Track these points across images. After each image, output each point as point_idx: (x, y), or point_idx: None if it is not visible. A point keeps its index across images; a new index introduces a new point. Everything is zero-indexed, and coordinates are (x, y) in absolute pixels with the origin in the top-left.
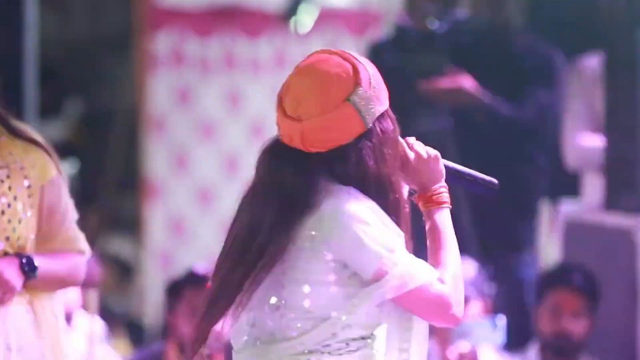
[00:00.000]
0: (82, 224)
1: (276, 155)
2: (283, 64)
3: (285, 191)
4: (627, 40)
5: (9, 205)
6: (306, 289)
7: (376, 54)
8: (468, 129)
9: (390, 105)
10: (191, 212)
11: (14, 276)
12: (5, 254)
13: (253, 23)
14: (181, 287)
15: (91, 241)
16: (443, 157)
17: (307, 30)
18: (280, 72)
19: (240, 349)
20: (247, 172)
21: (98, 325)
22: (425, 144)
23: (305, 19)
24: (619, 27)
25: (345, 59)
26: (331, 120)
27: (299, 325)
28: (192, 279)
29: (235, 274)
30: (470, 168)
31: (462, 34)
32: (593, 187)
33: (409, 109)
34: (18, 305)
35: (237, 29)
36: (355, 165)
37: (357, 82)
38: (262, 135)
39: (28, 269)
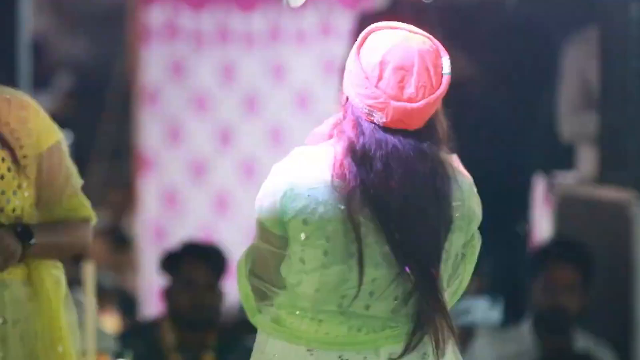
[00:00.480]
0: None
1: (398, 140)
2: (276, 38)
3: (426, 170)
4: (621, 15)
5: (2, 177)
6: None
7: (366, 26)
8: (460, 103)
9: None
10: (184, 184)
11: (13, 242)
12: (1, 226)
13: None
14: (177, 260)
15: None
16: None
17: (301, 4)
18: (273, 46)
19: None
20: (241, 144)
21: (92, 299)
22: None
23: None
24: (613, 2)
25: (412, 31)
26: (439, 95)
27: None
28: (187, 252)
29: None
30: (463, 141)
31: (456, 7)
32: (587, 161)
33: None
34: (14, 277)
35: (231, 2)
36: (442, 131)
37: (442, 54)
38: (255, 108)
39: (24, 237)
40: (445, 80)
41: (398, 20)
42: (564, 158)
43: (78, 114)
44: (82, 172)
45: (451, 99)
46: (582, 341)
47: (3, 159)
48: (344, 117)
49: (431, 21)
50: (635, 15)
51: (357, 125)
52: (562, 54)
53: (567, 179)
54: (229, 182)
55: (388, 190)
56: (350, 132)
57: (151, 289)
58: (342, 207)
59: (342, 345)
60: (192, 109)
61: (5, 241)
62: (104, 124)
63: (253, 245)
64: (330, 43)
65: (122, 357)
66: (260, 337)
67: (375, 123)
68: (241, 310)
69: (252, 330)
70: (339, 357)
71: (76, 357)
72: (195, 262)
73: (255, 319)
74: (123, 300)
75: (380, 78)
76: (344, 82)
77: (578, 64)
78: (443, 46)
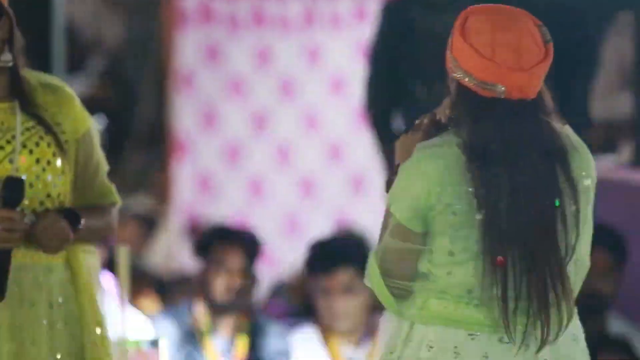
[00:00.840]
0: (113, 180)
1: (517, 114)
2: (312, 21)
3: (546, 143)
4: None
5: (48, 163)
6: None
7: (402, 12)
8: None
9: (419, 65)
10: (219, 169)
11: (67, 226)
12: (47, 211)
13: None
14: (210, 244)
15: (121, 197)
16: None
17: None
18: (309, 29)
19: None
20: (276, 128)
21: (126, 283)
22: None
23: None
24: None
25: (506, 7)
26: (549, 62)
27: None
28: (220, 236)
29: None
30: None
31: None
32: (623, 145)
33: (436, 69)
34: (57, 261)
35: None
36: (549, 101)
37: (539, 23)
38: (291, 92)
39: (73, 220)
40: (550, 47)
41: (429, 6)
42: (601, 142)
43: (112, 98)
44: (117, 156)
45: None
46: (616, 326)
47: (49, 144)
48: (456, 103)
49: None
50: None
51: (474, 107)
52: (599, 38)
53: (603, 162)
54: (264, 167)
55: (505, 170)
56: (467, 120)
57: (185, 273)
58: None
59: (499, 329)
60: (227, 94)
61: (61, 224)
62: (138, 108)
63: (383, 246)
64: (365, 27)
65: (157, 344)
66: (397, 327)
67: (495, 97)
68: (273, 294)
69: (286, 313)
70: (499, 339)
71: (111, 345)
72: (229, 246)
73: (404, 315)
74: (158, 284)
75: (493, 51)
76: (451, 65)
77: (615, 48)
78: None
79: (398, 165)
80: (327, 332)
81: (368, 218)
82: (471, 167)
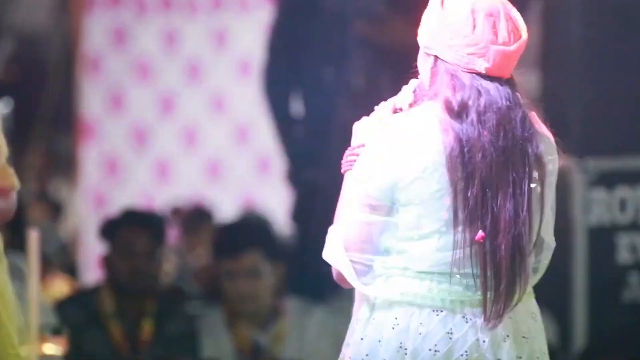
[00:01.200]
0: (19, 162)
1: (496, 89)
2: (219, 4)
3: (520, 124)
4: None
5: None
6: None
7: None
8: None
9: (327, 45)
10: (126, 152)
11: None
12: None
13: None
14: (116, 227)
15: (28, 180)
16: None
17: None
18: (216, 12)
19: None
20: (183, 111)
21: (36, 268)
22: (355, 83)
23: None
24: None
25: None
26: (526, 40)
27: None
28: (127, 219)
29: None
30: None
31: None
32: None
33: (345, 48)
34: None
35: None
36: (521, 84)
37: (512, 6)
38: (198, 74)
39: None
40: (524, 30)
41: None
42: None
43: (21, 82)
44: (25, 140)
45: None
46: None
47: None
48: (433, 79)
49: None
50: None
51: (454, 79)
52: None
53: None
54: (171, 150)
55: (481, 141)
56: (445, 91)
57: (92, 255)
58: (445, 167)
59: (463, 305)
60: (135, 77)
61: None
62: (47, 92)
63: (348, 219)
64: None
65: (60, 333)
66: (363, 308)
67: (475, 73)
68: (179, 277)
69: (191, 297)
70: (463, 317)
71: (17, 332)
72: (135, 229)
73: (368, 290)
74: (65, 266)
75: (474, 26)
76: (427, 42)
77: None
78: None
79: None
80: (233, 315)
81: (274, 201)
82: (445, 141)
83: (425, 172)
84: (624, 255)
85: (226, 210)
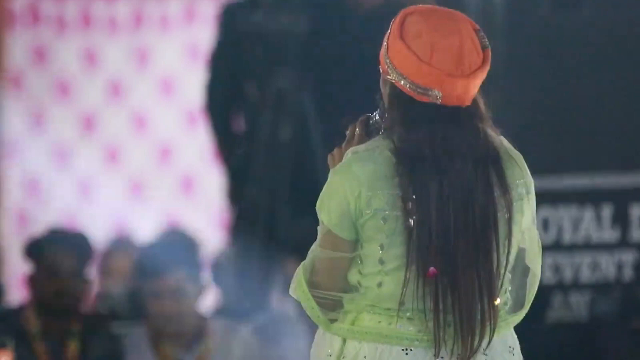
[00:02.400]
0: None
1: (452, 120)
2: (140, 23)
3: (480, 150)
4: None
5: None
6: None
7: (232, 16)
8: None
9: (249, 64)
10: (47, 171)
11: None
12: None
13: None
14: (41, 246)
15: None
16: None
17: None
18: (137, 32)
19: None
20: (105, 130)
21: None
22: (284, 101)
23: None
24: None
25: (445, 9)
26: (486, 69)
27: None
28: (53, 239)
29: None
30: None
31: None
32: None
33: (267, 68)
34: None
35: None
36: (485, 109)
37: (477, 28)
38: (119, 93)
39: None
40: (488, 53)
41: (261, 8)
42: None
43: None
44: None
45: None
46: None
47: None
48: (390, 107)
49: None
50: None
51: (409, 110)
52: None
53: None
54: (93, 169)
55: (436, 176)
56: (399, 126)
57: (15, 275)
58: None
59: (430, 343)
60: (56, 95)
61: None
62: None
63: (312, 256)
64: (194, 29)
65: (4, 346)
66: (332, 344)
67: (430, 103)
68: (106, 297)
69: (118, 317)
70: (434, 355)
71: None
72: (60, 249)
73: (333, 329)
74: None
75: (431, 55)
76: (385, 69)
77: None
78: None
79: None
80: (157, 335)
81: (198, 220)
82: (402, 172)
83: (384, 208)
84: (547, 275)
85: (149, 229)
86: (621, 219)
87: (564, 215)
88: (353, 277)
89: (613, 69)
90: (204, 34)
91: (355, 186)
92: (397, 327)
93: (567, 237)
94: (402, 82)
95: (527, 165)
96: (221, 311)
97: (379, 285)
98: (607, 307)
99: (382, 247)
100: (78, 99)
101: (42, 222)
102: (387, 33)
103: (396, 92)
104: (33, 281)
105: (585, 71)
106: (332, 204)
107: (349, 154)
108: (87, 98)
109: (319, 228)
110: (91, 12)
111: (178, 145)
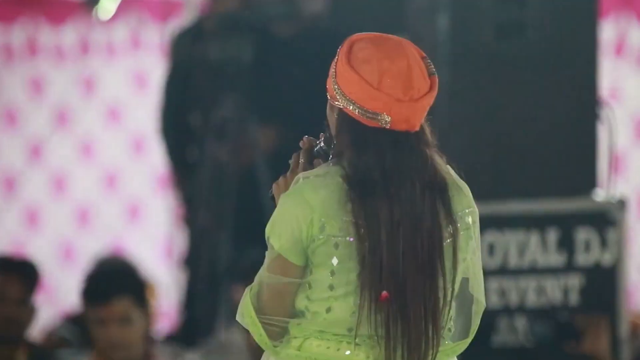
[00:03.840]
0: None
1: (400, 145)
2: (87, 51)
3: (428, 177)
4: (429, 24)
5: None
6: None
7: (178, 44)
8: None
9: (195, 92)
10: None
11: None
12: None
13: (56, 10)
14: None
15: None
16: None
17: (110, 17)
18: (84, 59)
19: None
20: (51, 158)
21: None
22: (228, 129)
23: (108, 5)
24: (421, 12)
25: (392, 37)
26: (434, 94)
27: None
28: None
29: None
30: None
31: (269, 18)
32: None
33: (212, 95)
34: None
35: (41, 16)
36: (430, 134)
37: (423, 55)
38: (66, 121)
39: None
40: (434, 80)
41: (207, 35)
42: None
43: None
44: None
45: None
46: None
47: None
48: (339, 135)
49: (242, 32)
50: (443, 24)
51: (357, 139)
52: None
53: None
54: (39, 196)
55: (387, 202)
56: (348, 152)
57: None
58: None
59: None
60: (1, 124)
61: None
62: None
63: (259, 280)
64: (140, 56)
65: None
66: None
67: (379, 127)
68: (53, 324)
69: (64, 344)
70: None
71: None
72: (6, 276)
73: (281, 355)
74: None
75: (380, 80)
76: (333, 94)
77: None
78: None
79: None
80: None
81: (144, 247)
82: (354, 198)
83: (336, 234)
84: (492, 300)
85: (95, 255)
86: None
87: (510, 239)
88: (300, 302)
89: (558, 95)
90: (150, 61)
91: (308, 212)
92: (346, 353)
93: (513, 262)
94: (351, 107)
95: (472, 189)
96: (169, 337)
97: (328, 310)
98: (548, 331)
99: (332, 272)
100: (24, 127)
101: None
102: (335, 60)
103: (345, 118)
104: None
105: (530, 97)
106: (283, 229)
107: (299, 179)
108: (34, 126)
109: (267, 253)
110: (37, 40)
111: (124, 172)
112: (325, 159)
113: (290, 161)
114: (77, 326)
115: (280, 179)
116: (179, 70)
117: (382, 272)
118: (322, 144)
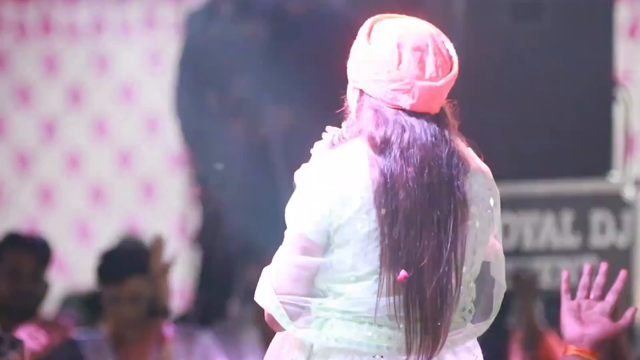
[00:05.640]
0: None
1: (421, 127)
2: (101, 29)
3: (447, 159)
4: None
5: None
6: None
7: (193, 23)
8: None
9: (209, 71)
10: (8, 176)
11: None
12: None
13: None
14: (1, 251)
15: None
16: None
17: None
18: (99, 37)
19: None
20: (65, 136)
21: None
22: (242, 108)
23: None
24: None
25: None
26: (455, 75)
27: None
28: (11, 242)
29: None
30: None
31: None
32: None
33: (227, 75)
34: None
35: None
36: (452, 117)
37: (445, 37)
38: (80, 99)
39: None
40: (455, 62)
41: (220, 15)
42: None
43: None
44: None
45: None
46: None
47: None
48: (359, 112)
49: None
50: (459, 5)
51: (377, 114)
52: None
53: None
54: (53, 175)
55: (407, 184)
56: (369, 126)
57: None
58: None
59: (400, 352)
60: (15, 102)
61: None
62: None
63: (279, 260)
64: (155, 35)
65: None
66: (296, 352)
67: (400, 109)
68: (67, 301)
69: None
70: None
71: None
72: (19, 252)
73: (303, 334)
74: None
75: (400, 61)
76: (354, 76)
77: None
78: None
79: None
80: (117, 339)
81: (157, 225)
82: (376, 180)
83: (360, 211)
84: (507, 282)
85: (110, 235)
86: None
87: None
88: (322, 282)
89: (573, 76)
90: (164, 40)
91: (332, 192)
92: (368, 334)
93: (528, 243)
94: (372, 88)
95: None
96: (182, 316)
97: (350, 291)
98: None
99: (354, 253)
100: (38, 105)
101: (3, 228)
102: (355, 41)
103: (366, 99)
104: None
105: (545, 78)
106: (307, 209)
107: (321, 160)
108: (48, 104)
109: (287, 232)
110: (51, 18)
111: (138, 150)
112: None
113: (312, 150)
114: (90, 304)
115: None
116: (193, 49)
117: (401, 252)
118: (341, 133)
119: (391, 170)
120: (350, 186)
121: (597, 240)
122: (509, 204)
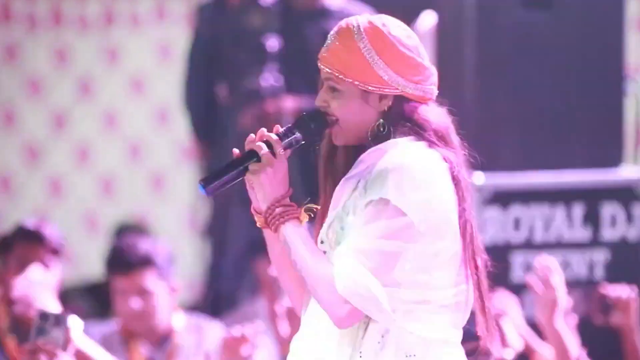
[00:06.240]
0: None
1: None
2: (111, 21)
3: None
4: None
5: None
6: None
7: (202, 15)
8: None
9: (219, 63)
10: (19, 168)
11: None
12: None
13: None
14: (11, 242)
15: None
16: (274, 114)
17: None
18: (109, 29)
19: None
20: (75, 128)
21: None
22: (258, 99)
23: None
24: None
25: None
26: None
27: None
28: (22, 234)
29: None
30: None
31: None
32: None
33: (238, 67)
34: None
35: None
36: None
37: None
38: (90, 91)
39: None
40: None
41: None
42: None
43: None
44: None
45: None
46: None
47: None
48: (398, 118)
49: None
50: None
51: (420, 110)
52: None
53: None
54: (64, 166)
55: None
56: (425, 123)
57: None
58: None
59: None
60: (26, 93)
61: None
62: None
63: (374, 249)
64: (165, 27)
65: None
66: (373, 330)
67: (432, 101)
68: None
69: (86, 313)
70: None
71: None
72: (30, 243)
73: (412, 326)
74: None
75: (424, 57)
76: (384, 83)
77: None
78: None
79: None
80: (127, 332)
81: (167, 218)
82: (452, 177)
83: (452, 208)
84: (518, 274)
85: (119, 226)
86: (593, 218)
87: (536, 213)
88: (409, 271)
89: (584, 68)
90: (174, 32)
91: (442, 183)
92: (445, 320)
93: (539, 236)
94: (410, 88)
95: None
96: (192, 308)
97: (431, 277)
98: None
99: (442, 238)
100: (49, 97)
101: (13, 219)
102: (372, 50)
103: (404, 102)
104: (2, 277)
105: (556, 70)
106: (420, 197)
107: (417, 151)
108: (58, 96)
109: (382, 221)
110: (62, 10)
111: (148, 142)
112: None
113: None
114: (98, 295)
115: None
116: (203, 41)
117: (474, 245)
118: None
119: (456, 159)
120: (448, 183)
121: (608, 233)
122: (519, 197)
